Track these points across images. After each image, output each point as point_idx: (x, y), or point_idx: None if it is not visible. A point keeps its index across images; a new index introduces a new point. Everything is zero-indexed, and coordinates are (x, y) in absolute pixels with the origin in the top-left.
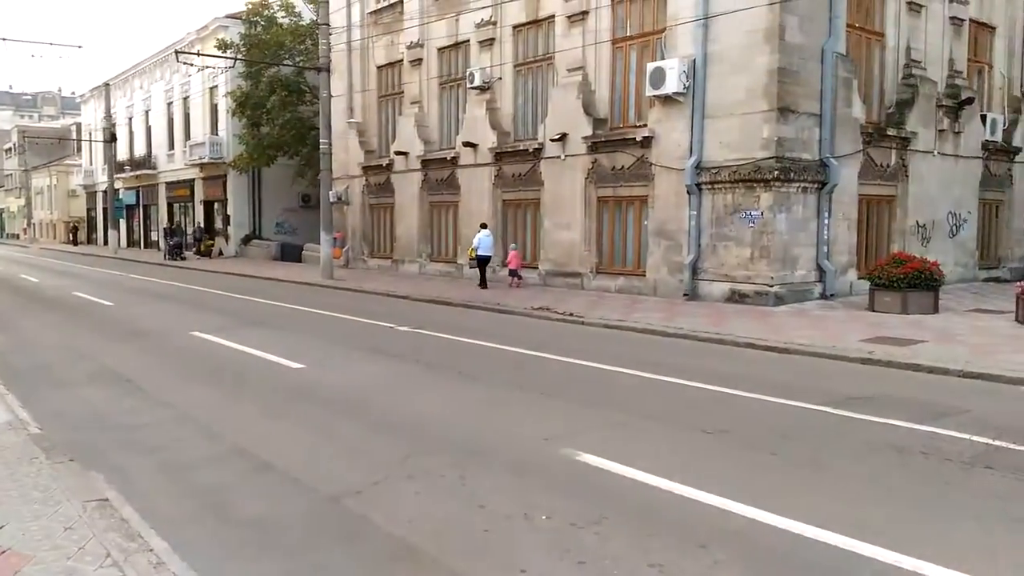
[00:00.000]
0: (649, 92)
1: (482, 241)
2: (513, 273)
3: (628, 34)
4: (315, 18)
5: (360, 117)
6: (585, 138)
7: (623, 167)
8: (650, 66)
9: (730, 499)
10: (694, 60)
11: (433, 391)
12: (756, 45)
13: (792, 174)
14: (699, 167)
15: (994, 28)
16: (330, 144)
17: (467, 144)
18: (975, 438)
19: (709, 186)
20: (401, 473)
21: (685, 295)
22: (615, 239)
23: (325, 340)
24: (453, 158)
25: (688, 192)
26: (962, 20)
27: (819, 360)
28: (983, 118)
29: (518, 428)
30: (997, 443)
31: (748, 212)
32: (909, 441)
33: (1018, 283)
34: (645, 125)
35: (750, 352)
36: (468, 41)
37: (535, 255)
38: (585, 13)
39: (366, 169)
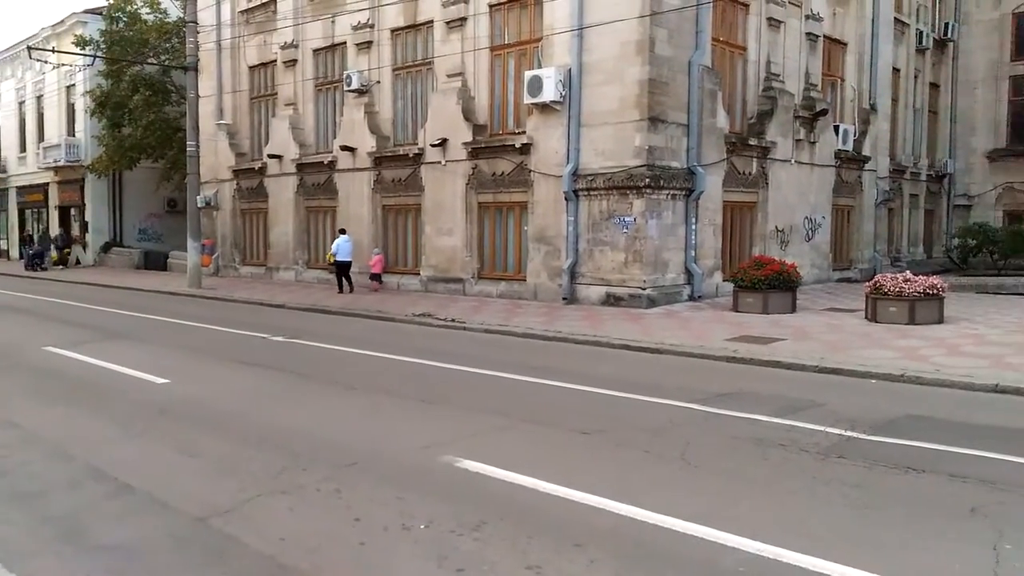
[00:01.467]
0: (527, 100)
1: (340, 246)
2: (375, 277)
3: (506, 42)
4: (182, 15)
5: (231, 119)
6: (465, 144)
7: (503, 173)
8: (528, 74)
9: (606, 497)
10: (570, 69)
11: (308, 403)
12: (628, 57)
13: (662, 182)
14: (576, 174)
15: (846, 44)
16: (198, 146)
17: (345, 148)
18: (829, 430)
19: (586, 192)
20: (274, 489)
21: (564, 299)
22: (496, 244)
23: (192, 353)
24: (330, 162)
25: (566, 198)
26: (817, 36)
27: (688, 359)
28: (836, 129)
29: (397, 437)
30: (849, 434)
31: (622, 218)
32: (770, 434)
33: (867, 283)
34: (524, 132)
35: (625, 353)
36: (345, 43)
37: (416, 261)
38: (463, 20)
39: (237, 173)
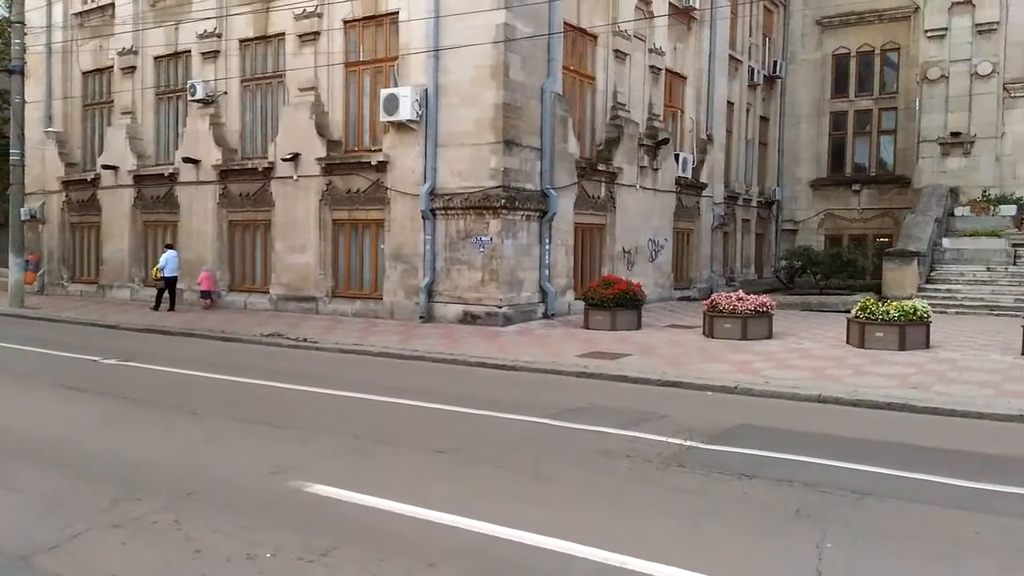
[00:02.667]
0: (383, 118)
1: (168, 261)
2: (205, 295)
3: (362, 58)
4: (7, 15)
5: (61, 126)
6: (319, 159)
7: (359, 190)
8: (384, 92)
9: (460, 515)
10: (426, 89)
11: (145, 430)
12: (483, 80)
13: (517, 203)
14: (433, 193)
15: (685, 77)
16: (23, 155)
17: (188, 160)
18: (671, 440)
19: (443, 212)
20: (105, 522)
21: (421, 317)
22: (351, 262)
23: (13, 378)
24: (172, 174)
25: (423, 217)
26: (659, 69)
27: (542, 375)
28: (676, 157)
29: (243, 463)
30: (689, 443)
31: (479, 237)
32: (617, 446)
33: (704, 301)
34: (380, 150)
35: (481, 371)
36: (190, 52)
37: (265, 279)
38: (317, 34)
39: (67, 184)
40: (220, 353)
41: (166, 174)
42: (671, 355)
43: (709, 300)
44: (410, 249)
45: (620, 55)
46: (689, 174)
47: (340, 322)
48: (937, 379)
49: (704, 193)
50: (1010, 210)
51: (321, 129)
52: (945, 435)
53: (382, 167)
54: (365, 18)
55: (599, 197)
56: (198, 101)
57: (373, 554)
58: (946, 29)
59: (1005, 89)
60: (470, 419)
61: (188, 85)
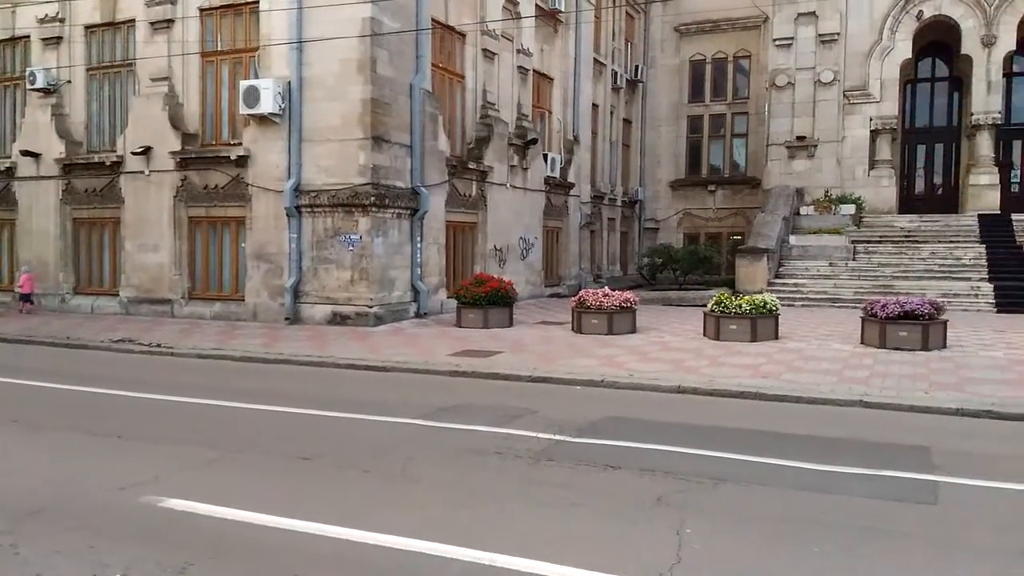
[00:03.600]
0: (243, 111)
1: None
2: (25, 298)
3: (220, 48)
4: None
5: None
6: (173, 153)
7: (217, 186)
8: (243, 84)
9: (327, 523)
10: (290, 82)
11: None
12: (350, 74)
13: (387, 200)
14: (298, 190)
15: (552, 79)
16: None
17: (27, 153)
18: (541, 435)
19: (309, 209)
20: None
21: (287, 319)
22: (210, 262)
23: None
24: (8, 168)
25: (288, 215)
26: (527, 70)
27: (414, 375)
28: (545, 157)
29: (91, 479)
30: (558, 437)
31: (348, 236)
32: (487, 443)
33: (573, 298)
34: (240, 144)
35: (351, 373)
36: (29, 37)
37: (114, 280)
38: (171, 21)
39: None
40: (65, 361)
41: (2, 169)
42: (541, 351)
43: (577, 297)
44: (274, 248)
45: (489, 54)
46: (558, 174)
47: (198, 326)
48: (786, 368)
49: (572, 192)
50: (849, 209)
51: (176, 121)
52: (793, 421)
53: (243, 162)
54: (223, 6)
55: (471, 195)
56: (38, 90)
57: (233, 568)
58: (792, 38)
59: (845, 96)
60: (338, 423)
61: (27, 73)
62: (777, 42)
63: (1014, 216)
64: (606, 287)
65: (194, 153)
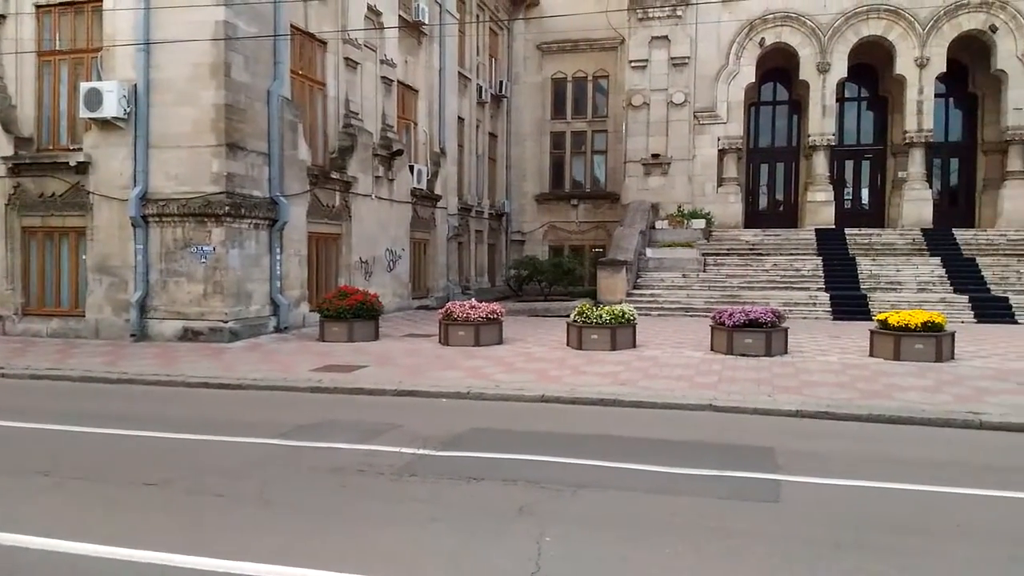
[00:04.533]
0: (84, 114)
1: None
2: None
3: (58, 48)
4: None
5: None
6: (5, 159)
7: (55, 194)
8: (84, 86)
9: (174, 552)
10: (136, 85)
11: None
12: (202, 79)
13: (243, 210)
14: (145, 198)
15: (417, 91)
16: None
17: None
18: (404, 450)
19: (157, 219)
20: None
21: (133, 336)
22: (47, 276)
23: None
24: None
25: (134, 225)
26: (392, 80)
27: (272, 393)
28: (411, 168)
29: None
30: (422, 452)
31: (200, 247)
32: (350, 461)
33: (440, 310)
34: (81, 149)
35: (203, 392)
36: None
37: None
38: (3, 17)
39: None
40: None
41: None
42: (408, 364)
43: (444, 309)
44: (118, 260)
45: (351, 63)
46: (424, 185)
47: (33, 344)
48: (642, 375)
49: (439, 204)
50: (700, 224)
51: (8, 125)
52: (649, 426)
53: (83, 168)
54: (63, 4)
55: (334, 206)
56: None
57: None
58: (647, 61)
59: (695, 117)
60: (188, 446)
61: None
62: (633, 64)
63: (847, 230)
64: (473, 299)
65: (28, 159)
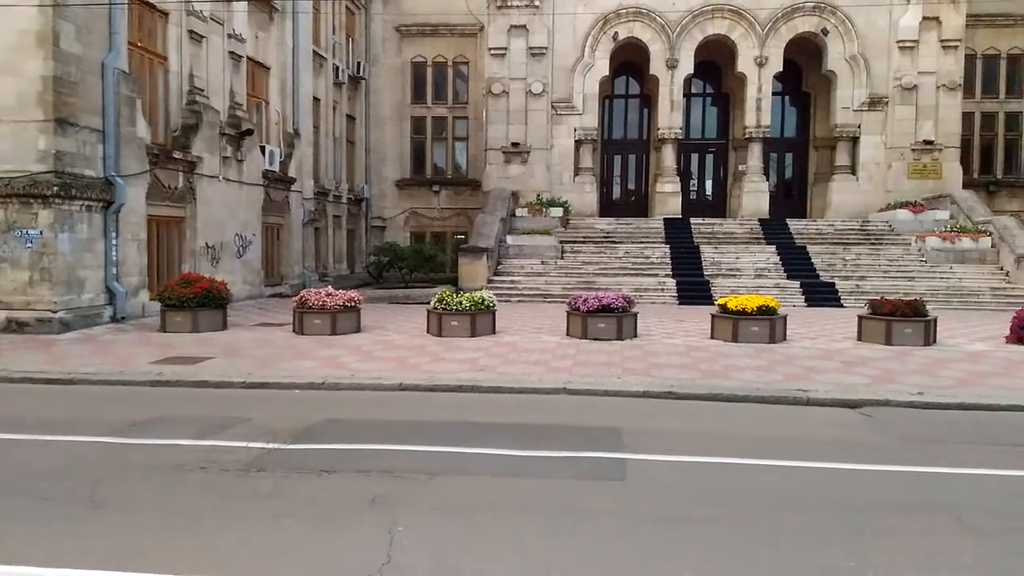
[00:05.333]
0: None
1: None
2: None
3: None
4: None
5: None
6: None
7: None
8: None
9: None
10: None
11: None
12: (28, 48)
13: (74, 191)
14: None
15: (269, 68)
16: None
17: None
18: (252, 444)
19: None
20: None
21: None
22: None
23: None
24: None
25: None
26: (240, 56)
27: (106, 388)
28: (263, 149)
29: None
30: (271, 446)
31: (25, 231)
32: (190, 458)
33: (294, 298)
34: None
35: (28, 388)
36: None
37: None
38: None
39: None
40: None
41: None
42: (258, 355)
43: (299, 296)
44: None
45: (196, 37)
46: (277, 167)
47: None
48: (501, 361)
49: (293, 188)
50: (558, 212)
51: None
52: (505, 411)
53: None
54: None
55: (177, 188)
56: None
57: None
58: (506, 49)
59: (553, 107)
60: (10, 446)
61: None
62: (492, 51)
63: (692, 220)
64: (329, 286)
65: None
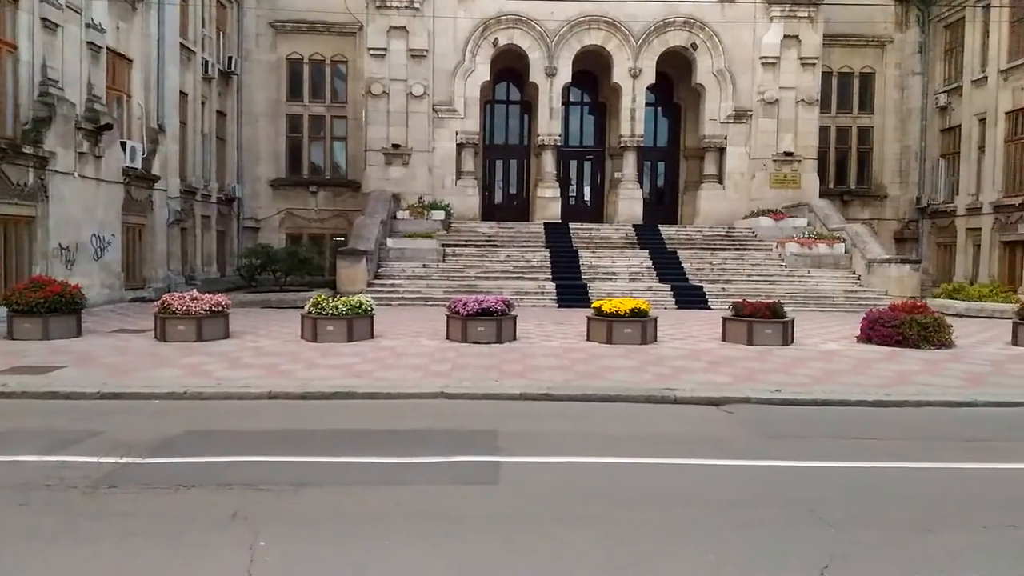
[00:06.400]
0: None
1: None
2: None
3: None
4: None
5: None
6: None
7: None
8: None
9: None
10: None
11: None
12: None
13: None
14: None
15: (132, 60)
16: None
17: None
18: (104, 459)
19: None
20: None
21: None
22: None
23: None
24: None
25: None
26: (100, 47)
27: None
28: (124, 145)
29: None
30: (125, 460)
31: None
32: (35, 475)
33: (155, 303)
34: None
35: None
36: None
37: None
38: None
39: None
40: None
41: None
42: (115, 363)
43: (160, 301)
44: None
45: (50, 25)
46: (139, 164)
47: None
48: (378, 366)
49: (158, 186)
50: (440, 215)
51: None
52: (381, 417)
53: None
54: None
55: (26, 185)
56: None
57: None
58: (386, 50)
59: (434, 110)
60: None
61: None
62: (372, 51)
63: (572, 225)
64: (194, 290)
65: None
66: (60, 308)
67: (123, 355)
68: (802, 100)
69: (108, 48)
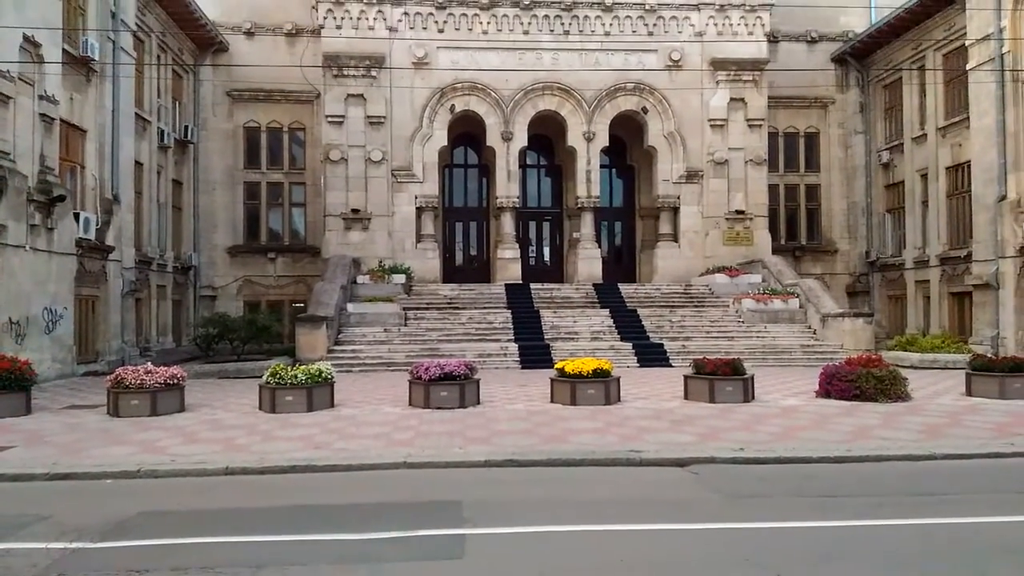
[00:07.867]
0: None
1: None
2: None
3: None
4: None
5: None
6: None
7: None
8: None
9: None
10: None
11: None
12: None
13: None
14: None
15: (86, 131)
16: None
17: None
18: (52, 545)
19: None
20: None
21: None
22: None
23: None
24: None
25: None
26: (53, 119)
27: None
28: (77, 216)
29: None
30: (75, 545)
31: None
32: None
33: (108, 377)
34: None
35: None
36: None
37: None
38: None
39: None
40: None
41: None
42: (66, 442)
43: (114, 375)
44: None
45: (2, 97)
46: (93, 235)
47: None
48: (338, 436)
49: (112, 257)
50: (400, 279)
51: None
52: (341, 491)
53: None
54: None
55: None
56: None
57: None
58: (344, 117)
59: (393, 175)
60: None
61: None
62: (329, 119)
63: (532, 285)
64: (148, 363)
65: None
66: (9, 385)
67: (74, 433)
68: (751, 160)
69: (61, 119)
